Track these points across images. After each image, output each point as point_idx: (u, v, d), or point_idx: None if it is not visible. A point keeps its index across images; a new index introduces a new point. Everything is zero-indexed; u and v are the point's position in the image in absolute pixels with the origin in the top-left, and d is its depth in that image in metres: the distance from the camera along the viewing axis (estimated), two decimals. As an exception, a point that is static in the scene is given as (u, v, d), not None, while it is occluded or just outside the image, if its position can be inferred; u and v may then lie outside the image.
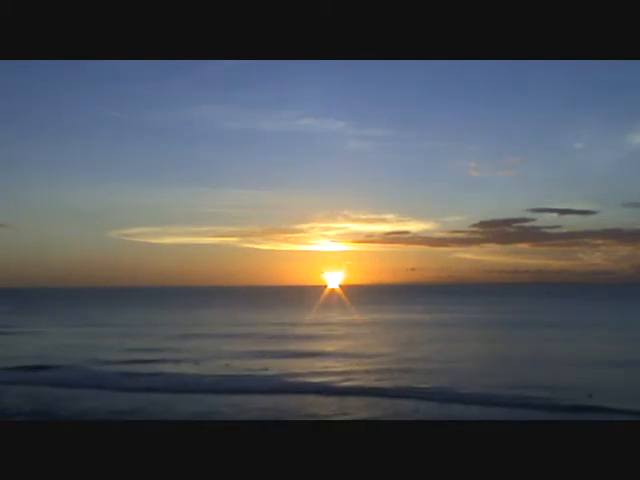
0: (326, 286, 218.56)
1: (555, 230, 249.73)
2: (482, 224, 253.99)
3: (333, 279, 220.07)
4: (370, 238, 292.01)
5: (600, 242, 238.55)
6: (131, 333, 41.35)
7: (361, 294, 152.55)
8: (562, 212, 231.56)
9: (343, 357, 27.71)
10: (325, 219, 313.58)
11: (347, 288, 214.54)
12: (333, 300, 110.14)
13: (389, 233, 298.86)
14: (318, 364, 25.50)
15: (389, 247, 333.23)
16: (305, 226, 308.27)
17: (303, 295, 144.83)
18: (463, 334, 39.24)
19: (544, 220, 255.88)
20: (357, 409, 16.46)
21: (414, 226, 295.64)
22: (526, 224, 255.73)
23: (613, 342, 34.94)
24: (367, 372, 22.92)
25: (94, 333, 41.67)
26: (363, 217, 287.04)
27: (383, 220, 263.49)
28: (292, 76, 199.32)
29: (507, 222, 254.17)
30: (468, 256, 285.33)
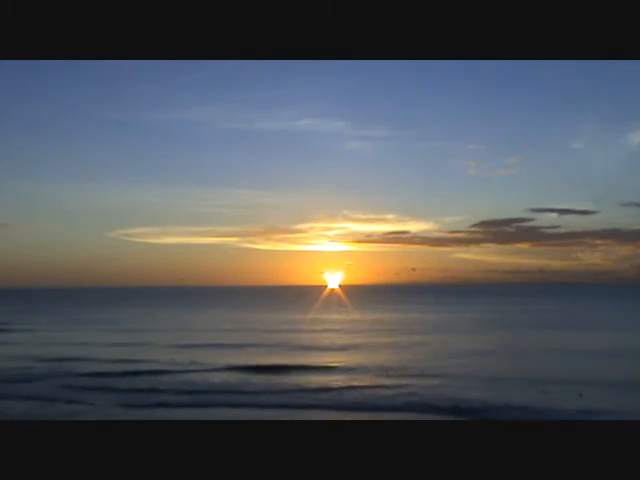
0: (326, 286, 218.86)
1: (554, 230, 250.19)
2: (482, 224, 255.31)
3: (333, 279, 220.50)
4: (370, 238, 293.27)
5: (599, 242, 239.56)
6: (129, 340, 38.70)
7: (362, 295, 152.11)
8: (562, 212, 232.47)
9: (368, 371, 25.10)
10: (325, 219, 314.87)
11: (347, 288, 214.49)
12: (335, 301, 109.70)
13: (389, 233, 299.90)
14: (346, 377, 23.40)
15: (389, 247, 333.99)
16: (305, 226, 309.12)
17: (304, 295, 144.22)
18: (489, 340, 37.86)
19: (544, 220, 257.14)
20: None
21: (414, 226, 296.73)
22: (526, 224, 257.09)
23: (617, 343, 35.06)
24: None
25: (88, 342, 38.37)
26: (363, 217, 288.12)
27: (383, 220, 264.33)
28: (292, 76, 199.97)
29: (507, 222, 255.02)
30: (468, 256, 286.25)
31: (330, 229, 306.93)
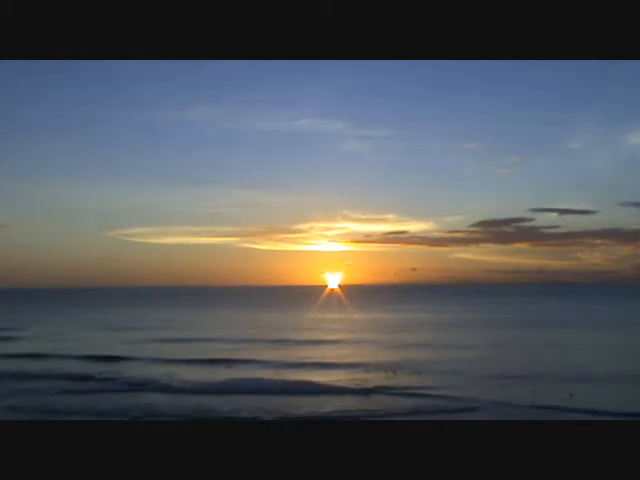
0: (326, 286, 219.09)
1: (554, 230, 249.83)
2: (481, 224, 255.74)
3: (333, 279, 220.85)
4: (369, 238, 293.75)
5: (599, 242, 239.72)
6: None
7: (362, 295, 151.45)
8: (561, 212, 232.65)
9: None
10: (324, 219, 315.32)
11: (347, 288, 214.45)
12: (336, 302, 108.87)
13: (388, 233, 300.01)
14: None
15: (388, 247, 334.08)
16: (305, 226, 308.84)
17: (306, 296, 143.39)
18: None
19: (543, 220, 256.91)
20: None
21: (413, 226, 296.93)
22: (525, 224, 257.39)
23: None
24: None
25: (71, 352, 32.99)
26: (362, 217, 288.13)
27: (382, 220, 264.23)
28: (292, 76, 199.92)
29: (506, 222, 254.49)
30: (468, 256, 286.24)
31: (330, 229, 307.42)
